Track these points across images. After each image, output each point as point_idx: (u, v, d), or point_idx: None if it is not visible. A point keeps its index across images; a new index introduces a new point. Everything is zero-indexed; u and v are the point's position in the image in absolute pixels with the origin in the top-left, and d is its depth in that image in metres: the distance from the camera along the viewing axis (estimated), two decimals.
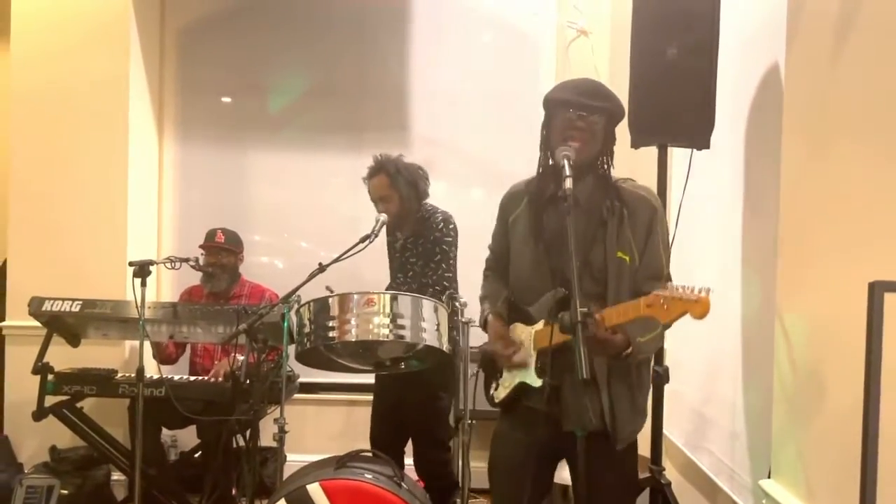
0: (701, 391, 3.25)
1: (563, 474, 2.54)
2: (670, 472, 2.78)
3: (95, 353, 3.48)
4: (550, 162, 2.07)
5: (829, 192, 1.86)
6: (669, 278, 2.08)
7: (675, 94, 2.58)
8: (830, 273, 1.83)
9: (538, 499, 2.19)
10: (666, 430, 3.47)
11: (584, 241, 1.98)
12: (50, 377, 3.22)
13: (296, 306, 2.81)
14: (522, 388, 2.08)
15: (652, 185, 2.64)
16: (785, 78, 2.16)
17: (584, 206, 2.02)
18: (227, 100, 4.42)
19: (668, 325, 1.80)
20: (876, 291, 1.03)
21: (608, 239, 1.99)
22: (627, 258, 2.00)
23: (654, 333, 1.94)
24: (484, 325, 2.26)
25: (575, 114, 2.01)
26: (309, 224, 4.36)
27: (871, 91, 1.67)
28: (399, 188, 3.11)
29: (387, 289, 3.22)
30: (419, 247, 3.15)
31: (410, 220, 3.16)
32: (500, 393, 2.17)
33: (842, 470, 1.51)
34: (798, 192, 2.05)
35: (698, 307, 1.61)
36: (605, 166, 2.08)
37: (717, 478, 2.94)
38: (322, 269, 2.85)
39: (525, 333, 2.10)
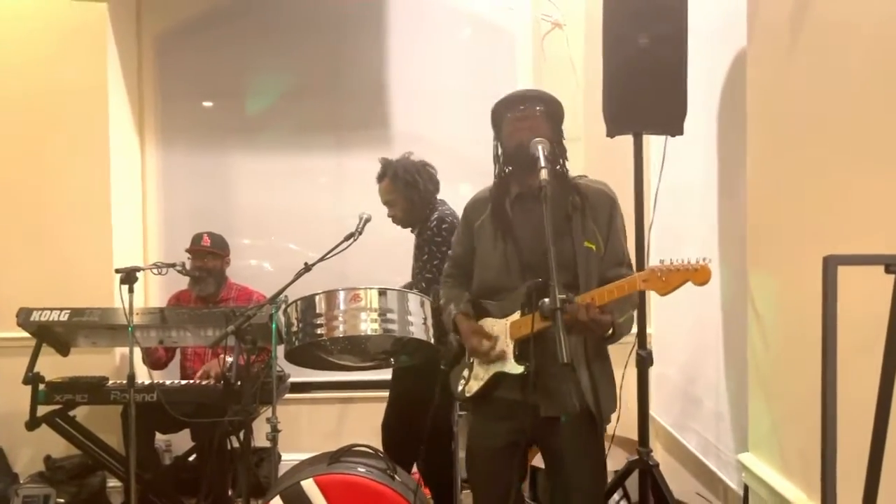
0: (685, 373, 3.32)
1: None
2: (658, 453, 2.84)
3: (85, 362, 3.48)
4: (508, 169, 2.22)
5: (790, 176, 1.92)
6: (630, 263, 2.21)
7: (647, 83, 2.63)
8: (794, 254, 1.89)
9: (517, 486, 2.25)
10: (653, 412, 3.54)
11: (552, 234, 2.03)
12: (41, 387, 3.22)
13: (283, 306, 2.83)
14: (497, 379, 2.14)
15: (629, 172, 2.71)
16: (748, 67, 2.22)
17: (548, 203, 2.09)
18: (207, 104, 4.44)
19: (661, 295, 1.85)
20: (829, 265, 1.08)
21: (574, 231, 2.09)
22: (594, 247, 2.10)
23: (628, 315, 2.04)
24: (453, 326, 2.31)
25: (515, 110, 2.16)
26: (295, 225, 4.37)
27: (824, 78, 1.72)
28: (402, 191, 3.14)
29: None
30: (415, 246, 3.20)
31: (420, 218, 3.18)
32: (473, 386, 2.21)
33: (812, 441, 1.56)
34: (763, 177, 2.11)
35: (699, 275, 1.72)
36: (560, 163, 2.17)
37: (704, 456, 3.01)
38: (308, 268, 2.89)
39: (498, 326, 2.15)
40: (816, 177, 1.75)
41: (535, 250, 2.08)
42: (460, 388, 2.25)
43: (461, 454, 2.82)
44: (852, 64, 1.59)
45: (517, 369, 2.07)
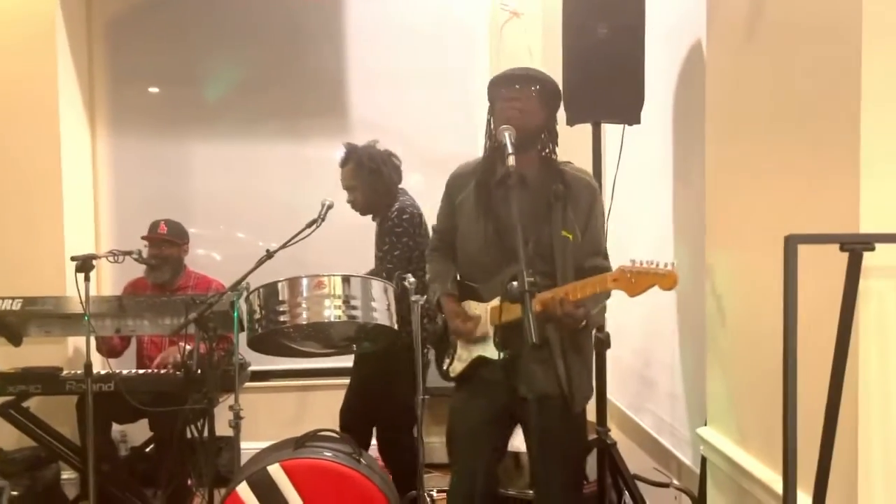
0: (641, 355, 3.42)
1: (515, 442, 2.65)
2: (615, 433, 2.92)
3: (37, 352, 3.40)
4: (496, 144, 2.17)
5: (747, 162, 2.00)
6: (606, 254, 2.26)
7: (606, 73, 2.69)
8: (751, 235, 1.98)
9: (495, 463, 2.31)
10: (610, 395, 3.64)
11: (533, 221, 2.10)
12: None
13: (245, 293, 2.82)
14: (479, 362, 2.19)
15: (587, 160, 2.77)
16: (706, 57, 2.30)
17: (531, 188, 2.15)
18: (157, 90, 4.35)
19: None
20: (790, 243, 1.15)
21: (553, 219, 2.12)
22: (571, 236, 2.13)
23: (601, 306, 2.12)
24: (437, 305, 2.34)
25: (510, 88, 2.15)
26: (247, 214, 4.34)
27: (779, 70, 1.81)
28: (364, 178, 3.15)
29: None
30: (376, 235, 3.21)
31: (381, 207, 3.19)
32: (457, 367, 2.26)
33: (769, 414, 1.65)
34: (721, 164, 2.20)
35: (667, 280, 1.80)
36: (549, 149, 2.20)
37: (659, 435, 3.11)
38: (270, 255, 2.87)
39: (480, 310, 2.20)
40: (772, 162, 1.84)
41: (515, 233, 2.11)
42: (445, 367, 2.30)
43: (426, 438, 2.86)
44: (804, 56, 1.67)
45: (496, 355, 2.13)
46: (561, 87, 2.76)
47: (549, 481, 2.17)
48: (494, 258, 2.17)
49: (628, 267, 1.85)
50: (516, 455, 3.26)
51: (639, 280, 1.83)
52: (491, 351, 2.15)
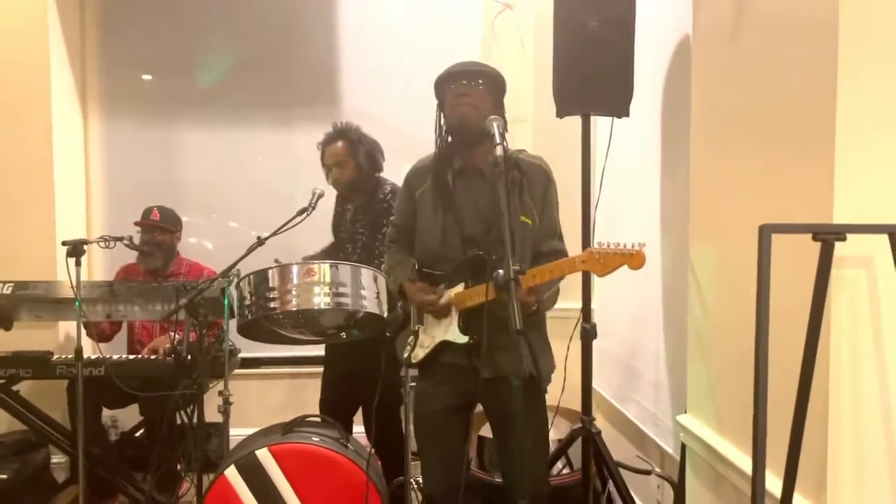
0: (627, 346, 3.46)
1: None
2: (600, 423, 2.97)
3: (28, 336, 3.42)
4: (450, 139, 2.28)
5: (729, 155, 2.04)
6: (561, 235, 2.33)
7: (596, 65, 2.70)
8: (731, 226, 2.02)
9: (463, 448, 2.36)
10: (596, 385, 3.68)
11: (490, 208, 2.14)
12: None
13: (235, 280, 2.84)
14: (442, 347, 2.24)
15: (577, 152, 2.80)
16: (692, 52, 2.33)
17: (487, 177, 2.20)
18: (150, 77, 4.36)
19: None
20: (764, 233, 1.18)
21: (512, 206, 2.16)
22: (529, 221, 2.21)
23: (553, 290, 2.19)
24: (399, 291, 2.38)
25: (458, 84, 2.22)
26: (239, 202, 4.35)
27: (762, 65, 1.84)
28: (357, 156, 3.18)
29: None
30: (367, 217, 3.21)
31: (363, 190, 3.22)
32: (419, 353, 2.30)
33: (747, 401, 1.68)
34: (704, 156, 2.24)
35: (635, 259, 1.85)
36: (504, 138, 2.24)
37: (644, 425, 3.15)
38: (261, 242, 2.89)
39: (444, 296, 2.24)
40: (752, 155, 1.88)
41: (476, 224, 2.19)
42: (406, 354, 2.33)
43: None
44: (784, 53, 1.71)
45: (462, 339, 2.18)
46: (552, 79, 2.82)
47: (517, 461, 2.22)
48: (454, 246, 2.23)
49: (596, 249, 1.91)
50: (482, 441, 3.30)
51: (607, 260, 1.89)
52: (454, 335, 2.20)
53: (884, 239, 1.31)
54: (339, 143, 3.20)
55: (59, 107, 3.92)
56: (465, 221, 2.21)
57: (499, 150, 1.99)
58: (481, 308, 2.02)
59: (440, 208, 2.25)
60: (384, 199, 3.16)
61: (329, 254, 3.34)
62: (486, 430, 2.82)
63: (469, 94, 2.20)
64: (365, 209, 3.22)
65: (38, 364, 3.21)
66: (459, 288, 2.20)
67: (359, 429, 3.30)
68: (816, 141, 1.50)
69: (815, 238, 1.24)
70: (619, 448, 3.35)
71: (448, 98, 2.25)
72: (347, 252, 3.23)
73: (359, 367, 3.15)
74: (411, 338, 2.33)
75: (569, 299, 2.70)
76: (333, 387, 3.33)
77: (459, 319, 2.20)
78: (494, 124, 2.06)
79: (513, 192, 2.18)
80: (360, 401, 3.31)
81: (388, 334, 2.49)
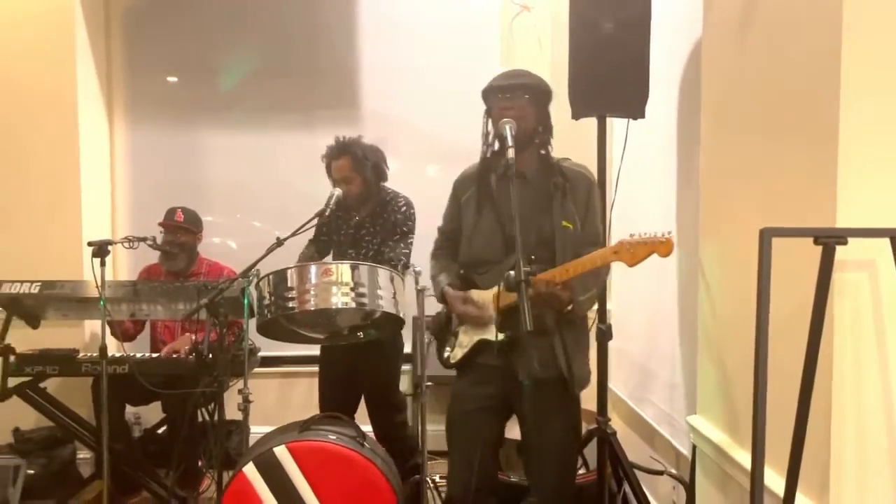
0: (643, 347, 3.46)
1: (516, 430, 2.72)
2: (616, 423, 2.97)
3: (54, 335, 3.50)
4: (496, 144, 2.32)
5: (738, 158, 2.05)
6: (604, 244, 2.36)
7: (611, 68, 2.72)
8: (739, 229, 2.03)
9: (494, 450, 2.38)
10: (612, 385, 3.69)
11: (535, 213, 2.20)
12: (11, 358, 3.24)
13: (255, 280, 2.89)
14: (480, 346, 2.27)
15: (593, 154, 2.81)
16: (702, 55, 2.34)
17: (531, 182, 2.26)
18: (175, 80, 4.44)
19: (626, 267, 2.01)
20: (765, 236, 1.20)
21: (554, 210, 2.22)
22: (571, 226, 2.23)
23: (591, 293, 2.18)
24: (441, 297, 2.42)
25: (502, 95, 2.27)
26: (261, 203, 4.42)
27: (770, 68, 1.84)
28: (362, 171, 3.19)
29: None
30: (377, 226, 3.25)
31: (371, 201, 3.25)
32: (457, 353, 2.34)
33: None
34: (714, 159, 2.25)
35: (664, 247, 1.91)
36: (546, 147, 2.31)
37: (659, 425, 3.16)
38: (280, 243, 2.93)
39: (484, 296, 2.29)
40: (758, 158, 1.88)
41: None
42: (446, 355, 2.37)
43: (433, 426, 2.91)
44: (789, 57, 1.71)
45: (498, 336, 2.20)
46: (567, 81, 2.83)
47: (544, 466, 2.24)
48: (496, 249, 2.27)
49: (627, 239, 1.95)
50: (518, 442, 3.33)
51: (637, 250, 1.94)
52: (492, 334, 2.24)
53: (886, 243, 1.31)
54: (344, 160, 3.20)
55: (85, 111, 4.01)
56: (508, 223, 2.25)
57: (510, 153, 2.05)
58: (513, 308, 2.05)
59: (483, 211, 2.32)
60: (399, 209, 3.21)
61: (313, 257, 3.36)
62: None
63: (512, 106, 2.26)
64: (374, 219, 3.25)
65: (64, 362, 3.28)
66: (496, 289, 2.22)
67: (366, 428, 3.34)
68: (820, 145, 1.51)
69: (816, 242, 1.25)
70: (634, 449, 3.35)
71: (495, 108, 2.30)
72: (351, 258, 3.23)
73: (359, 367, 3.20)
74: (451, 338, 2.38)
75: None
76: (335, 388, 3.35)
77: (498, 318, 2.23)
78: (507, 127, 2.11)
79: (556, 196, 2.23)
80: (365, 399, 3.35)
81: (429, 336, 2.53)
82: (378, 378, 3.23)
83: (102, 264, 2.99)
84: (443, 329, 2.45)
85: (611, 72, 2.72)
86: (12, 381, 3.26)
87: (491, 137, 2.34)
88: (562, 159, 2.35)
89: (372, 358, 3.16)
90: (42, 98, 3.90)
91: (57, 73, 3.91)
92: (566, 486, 2.34)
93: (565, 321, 2.22)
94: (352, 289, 2.73)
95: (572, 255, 2.20)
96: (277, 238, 2.93)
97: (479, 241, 2.32)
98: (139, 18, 4.35)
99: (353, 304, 2.74)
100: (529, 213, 2.16)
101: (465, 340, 2.33)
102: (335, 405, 3.25)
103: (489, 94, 2.34)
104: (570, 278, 2.09)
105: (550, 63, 4.04)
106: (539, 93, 2.32)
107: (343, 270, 2.74)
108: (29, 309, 3.29)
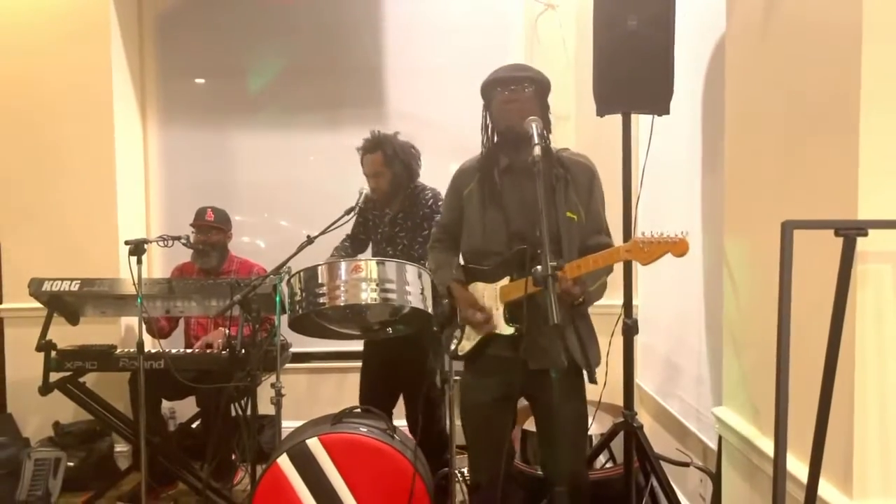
0: (671, 342, 3.47)
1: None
2: (643, 418, 3.00)
3: (91, 331, 3.60)
4: (496, 139, 2.36)
5: (762, 152, 2.06)
6: (608, 231, 2.37)
7: (636, 65, 2.72)
8: (763, 222, 2.04)
9: (507, 434, 2.42)
10: (639, 380, 3.71)
11: (536, 204, 2.18)
12: (52, 354, 3.34)
13: (286, 276, 2.96)
14: (488, 338, 2.30)
15: (618, 150, 2.83)
16: (726, 49, 2.35)
17: (541, 178, 2.23)
18: (204, 82, 4.53)
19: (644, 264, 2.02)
20: (786, 229, 1.22)
21: (558, 202, 2.24)
22: (575, 217, 2.26)
23: (600, 282, 2.22)
24: (447, 291, 2.45)
25: (505, 89, 2.28)
26: (289, 202, 4.49)
27: (792, 62, 1.86)
28: (393, 167, 3.24)
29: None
30: (408, 222, 3.29)
31: (399, 197, 3.30)
32: (466, 345, 2.37)
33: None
34: (738, 153, 2.26)
35: (678, 247, 1.90)
36: (547, 137, 2.30)
37: (686, 420, 3.17)
38: (310, 240, 3.00)
39: (489, 290, 2.31)
40: (781, 152, 1.90)
41: (522, 219, 2.24)
42: (453, 346, 2.40)
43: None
44: (812, 52, 1.73)
45: (507, 330, 2.24)
46: (592, 78, 2.86)
47: (564, 453, 2.28)
48: (500, 241, 2.29)
49: (640, 238, 1.96)
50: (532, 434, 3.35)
51: (651, 249, 1.93)
52: (501, 327, 2.26)
53: None
54: (376, 154, 3.25)
55: (120, 115, 4.13)
56: (512, 217, 2.27)
57: (537, 150, 2.06)
58: (529, 300, 2.09)
59: (487, 205, 2.32)
60: (426, 204, 3.25)
61: (351, 253, 3.42)
62: (530, 424, 2.88)
63: (517, 99, 2.27)
64: (405, 215, 3.29)
65: (102, 357, 3.38)
66: (505, 281, 2.26)
67: (401, 422, 3.39)
68: (841, 136, 1.53)
69: (836, 234, 1.27)
70: (662, 443, 3.37)
71: (496, 101, 2.32)
72: (387, 254, 3.30)
73: (399, 361, 3.24)
74: (458, 331, 2.40)
75: (611, 296, 2.72)
76: (376, 382, 3.41)
77: (505, 311, 2.26)
78: (533, 125, 2.13)
79: (558, 188, 2.24)
80: (403, 393, 3.39)
81: (434, 329, 2.56)
82: (416, 372, 3.26)
83: (139, 262, 3.07)
84: (448, 321, 2.47)
85: (635, 69, 2.73)
86: (53, 377, 3.37)
87: (491, 131, 2.36)
88: (561, 150, 2.36)
89: (410, 353, 3.20)
90: (79, 102, 4.03)
91: (93, 78, 4.03)
92: (585, 470, 2.42)
93: (577, 313, 2.26)
94: (378, 284, 2.78)
95: (578, 245, 2.24)
96: (308, 236, 3.00)
97: (482, 234, 2.33)
98: (170, 23, 4.45)
99: (381, 300, 2.78)
100: (534, 205, 2.13)
101: (473, 333, 2.35)
102: (374, 399, 3.29)
103: (490, 87, 2.34)
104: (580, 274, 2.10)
105: (574, 61, 4.07)
106: (542, 85, 2.33)
107: (372, 267, 2.79)
108: (69, 306, 3.39)
